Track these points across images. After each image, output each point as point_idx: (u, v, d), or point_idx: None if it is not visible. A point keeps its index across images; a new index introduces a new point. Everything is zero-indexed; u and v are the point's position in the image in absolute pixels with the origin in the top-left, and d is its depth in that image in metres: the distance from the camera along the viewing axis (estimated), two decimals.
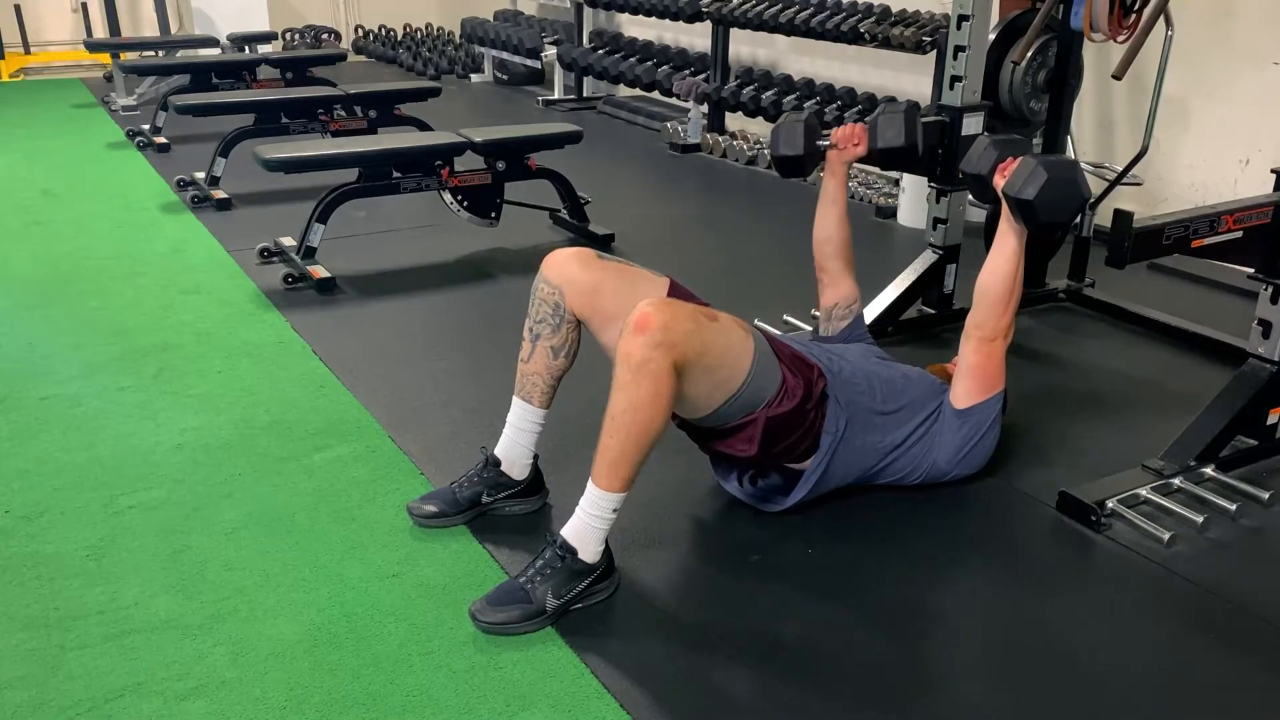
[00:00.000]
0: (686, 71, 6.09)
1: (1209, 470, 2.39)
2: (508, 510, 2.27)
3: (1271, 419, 2.50)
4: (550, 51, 7.22)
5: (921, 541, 2.22)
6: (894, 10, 4.91)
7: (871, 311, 3.13)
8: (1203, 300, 3.63)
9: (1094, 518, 2.25)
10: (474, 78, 8.22)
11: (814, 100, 5.25)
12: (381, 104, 5.22)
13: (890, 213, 4.61)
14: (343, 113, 5.17)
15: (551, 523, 2.22)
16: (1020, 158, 2.18)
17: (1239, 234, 2.33)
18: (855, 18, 4.94)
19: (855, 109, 5.06)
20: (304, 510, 2.32)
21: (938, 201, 3.22)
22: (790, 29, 5.24)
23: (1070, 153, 3.79)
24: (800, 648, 1.89)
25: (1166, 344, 3.26)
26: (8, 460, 2.53)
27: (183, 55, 7.23)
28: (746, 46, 6.23)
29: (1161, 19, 2.99)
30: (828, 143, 2.67)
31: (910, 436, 2.27)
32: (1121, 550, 2.18)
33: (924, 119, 2.80)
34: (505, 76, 8.03)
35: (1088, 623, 1.96)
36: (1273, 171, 2.48)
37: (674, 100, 6.35)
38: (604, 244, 4.14)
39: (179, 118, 5.07)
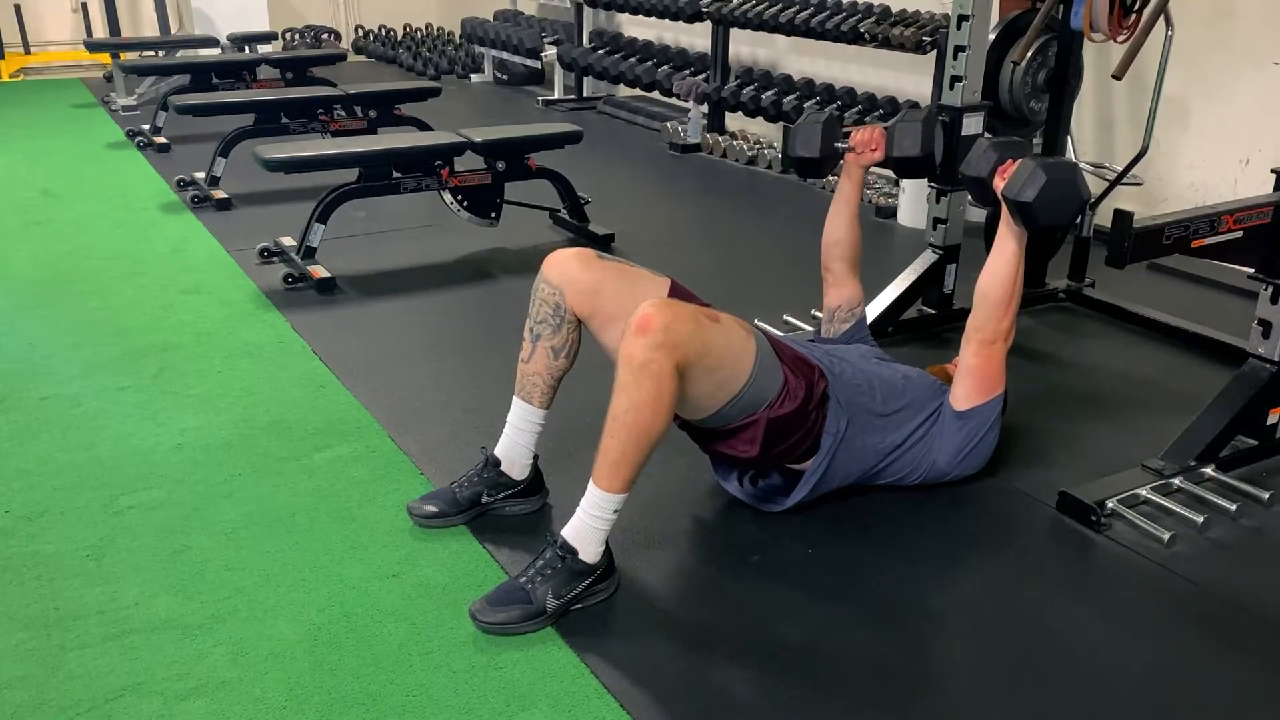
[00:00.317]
0: (686, 71, 6.09)
1: (1209, 470, 2.39)
2: (508, 510, 2.27)
3: (1271, 419, 2.50)
4: (550, 51, 7.22)
5: (922, 541, 2.22)
6: (894, 10, 4.91)
7: (872, 311, 3.13)
8: (1203, 300, 3.63)
9: (1094, 518, 2.25)
10: (474, 78, 8.22)
11: (814, 100, 5.25)
12: (381, 104, 5.22)
13: (890, 213, 4.61)
14: (343, 113, 5.17)
15: (552, 523, 2.22)
16: (1020, 160, 2.17)
17: (1239, 234, 2.33)
18: (855, 18, 4.94)
19: (855, 109, 5.06)
20: (304, 510, 2.32)
21: (938, 201, 3.22)
22: (790, 29, 5.24)
23: (1070, 153, 3.79)
24: (800, 648, 1.89)
25: (1166, 344, 3.26)
26: (8, 460, 2.53)
27: (183, 55, 7.23)
28: (746, 46, 6.23)
29: (1161, 19, 2.99)
30: (845, 145, 2.65)
31: (910, 437, 2.27)
32: (1121, 550, 2.18)
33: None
34: (505, 76, 8.03)
35: (1087, 623, 1.96)
36: (1273, 171, 2.48)
37: (674, 100, 6.35)
38: (604, 244, 4.14)
39: (179, 118, 5.07)
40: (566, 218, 4.32)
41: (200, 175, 4.87)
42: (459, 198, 3.94)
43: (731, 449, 2.15)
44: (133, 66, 6.34)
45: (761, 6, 5.43)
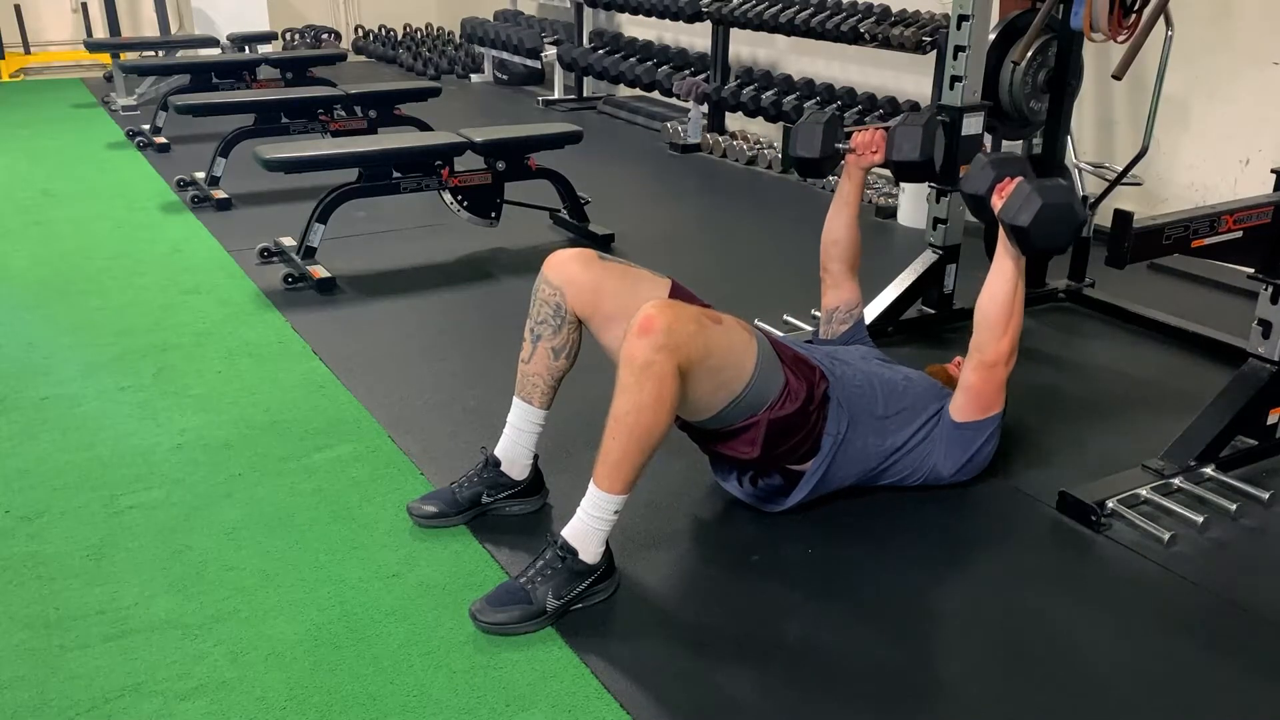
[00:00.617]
0: (686, 71, 6.09)
1: (1209, 470, 2.39)
2: (508, 510, 2.27)
3: (1271, 419, 2.50)
4: (550, 51, 7.22)
5: (922, 541, 2.22)
6: (894, 10, 4.91)
7: (872, 311, 3.13)
8: (1203, 300, 3.63)
9: (1094, 518, 2.25)
10: (474, 78, 8.22)
11: (814, 100, 5.25)
12: (381, 104, 5.22)
13: (890, 213, 4.61)
14: (343, 113, 5.17)
15: (552, 523, 2.22)
16: (1017, 180, 2.15)
17: (1239, 234, 2.33)
18: (855, 18, 4.94)
19: (855, 109, 5.06)
20: (304, 510, 2.31)
21: (938, 201, 3.22)
22: (790, 29, 5.24)
23: (1070, 153, 3.79)
24: (800, 648, 1.89)
25: (1166, 344, 3.26)
26: (8, 460, 2.53)
27: (183, 55, 7.23)
28: (746, 46, 6.23)
29: (1161, 19, 2.99)
30: (846, 146, 2.65)
31: (910, 440, 2.27)
32: (1121, 550, 2.18)
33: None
34: (505, 76, 8.03)
35: (1088, 623, 1.96)
36: (1273, 171, 2.48)
37: (674, 100, 6.36)
38: (604, 244, 4.14)
39: (179, 118, 5.07)
40: (566, 218, 4.32)
41: (200, 175, 4.87)
42: (459, 198, 3.94)
43: (732, 450, 2.15)
44: (133, 66, 6.34)
45: (761, 6, 5.43)
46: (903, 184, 4.54)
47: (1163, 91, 3.23)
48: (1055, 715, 1.74)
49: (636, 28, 7.21)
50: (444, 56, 8.51)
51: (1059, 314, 3.51)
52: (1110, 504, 2.27)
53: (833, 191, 2.70)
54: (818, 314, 2.73)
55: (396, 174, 3.86)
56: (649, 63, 6.38)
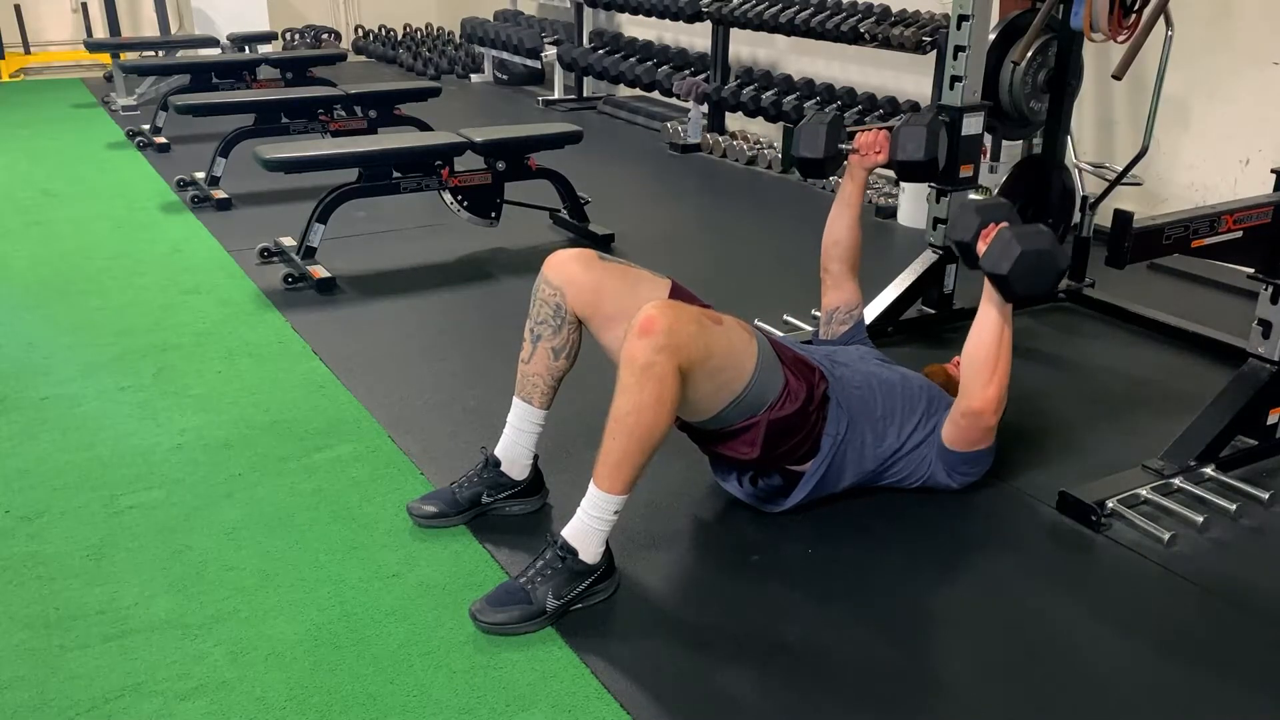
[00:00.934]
0: (686, 71, 6.09)
1: (1209, 470, 2.40)
2: (508, 510, 2.27)
3: (1271, 419, 2.50)
4: (550, 51, 7.22)
5: (921, 542, 2.22)
6: (894, 10, 4.91)
7: (871, 311, 3.13)
8: (1203, 300, 3.63)
9: (1094, 518, 2.25)
10: (474, 78, 8.22)
11: (814, 100, 5.25)
12: (381, 104, 5.22)
13: (890, 213, 4.61)
14: (343, 113, 5.17)
15: (552, 523, 2.22)
16: (999, 227, 2.13)
17: (1239, 234, 2.33)
18: (855, 18, 4.94)
19: (855, 109, 5.06)
20: (304, 510, 2.31)
21: (938, 201, 3.22)
22: (790, 29, 5.24)
23: (1070, 153, 3.79)
24: (800, 648, 1.89)
25: (1166, 344, 3.26)
26: (8, 460, 2.53)
27: (183, 55, 7.23)
28: (746, 46, 6.23)
29: (1161, 19, 2.99)
30: (849, 147, 2.65)
31: (908, 441, 2.27)
32: (1121, 550, 2.18)
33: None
34: (505, 76, 8.03)
35: (1088, 623, 1.96)
36: (1273, 171, 2.48)
37: (674, 100, 6.36)
38: (604, 244, 4.14)
39: (179, 118, 5.07)
40: (566, 218, 4.32)
41: (200, 175, 4.87)
42: (459, 198, 3.94)
43: (732, 450, 2.15)
44: (133, 66, 6.34)
45: (761, 6, 5.43)
46: (903, 184, 4.54)
47: (1163, 91, 3.23)
48: (1055, 715, 1.74)
49: (636, 28, 7.21)
50: (444, 56, 8.51)
51: (1059, 314, 3.51)
52: (1110, 504, 2.27)
53: (833, 192, 2.70)
54: (818, 314, 2.72)
55: (396, 174, 3.86)
56: (649, 63, 6.38)
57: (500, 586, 1.96)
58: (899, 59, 4.97)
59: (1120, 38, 2.96)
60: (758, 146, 5.62)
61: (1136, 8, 2.95)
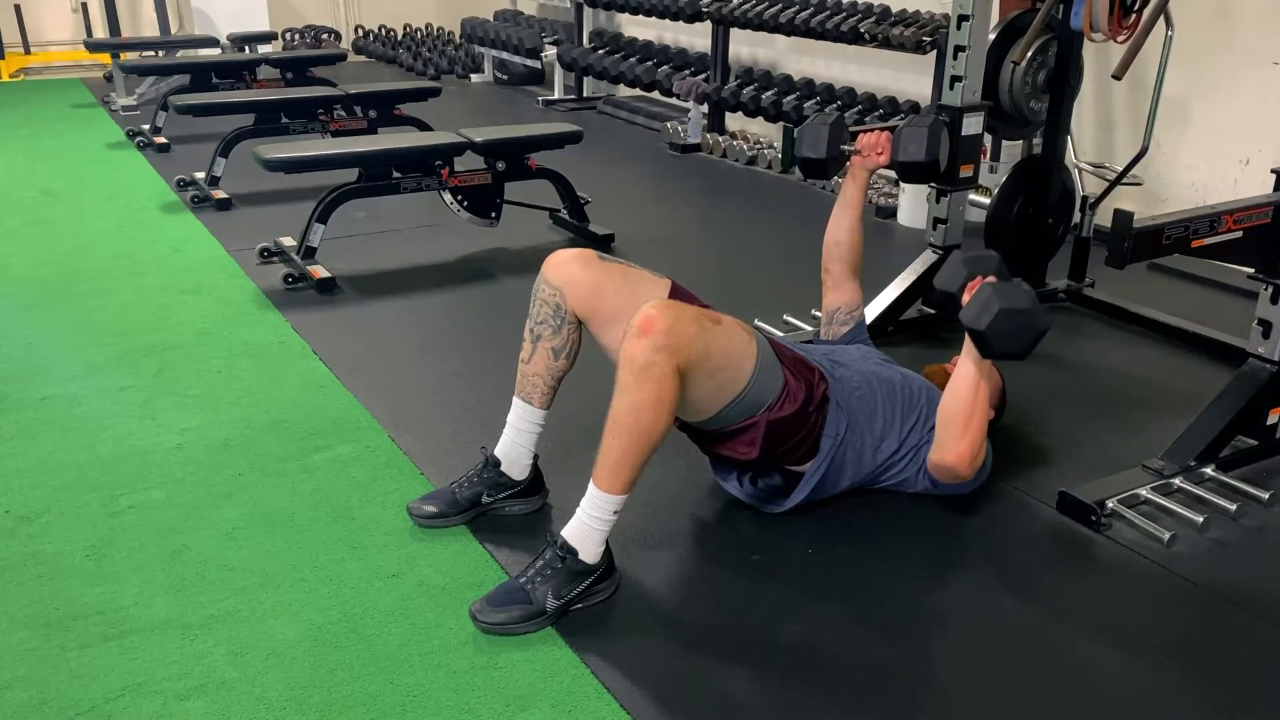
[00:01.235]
0: (686, 71, 6.09)
1: (1209, 470, 2.40)
2: (508, 510, 2.27)
3: (1271, 419, 2.50)
4: (550, 51, 7.22)
5: (921, 542, 2.22)
6: (894, 10, 4.91)
7: (872, 311, 3.13)
8: (1203, 300, 3.63)
9: (1094, 518, 2.25)
10: (474, 78, 8.22)
11: (814, 100, 5.25)
12: (381, 104, 5.22)
13: (890, 213, 4.61)
14: (343, 113, 5.17)
15: (552, 523, 2.22)
16: (982, 281, 2.13)
17: (1239, 234, 2.32)
18: (855, 18, 4.94)
19: (855, 109, 5.07)
20: (304, 510, 2.31)
21: (938, 201, 3.22)
22: (790, 29, 5.25)
23: (1070, 153, 3.79)
24: (800, 648, 1.89)
25: (1166, 344, 3.26)
26: (8, 460, 2.53)
27: (183, 55, 7.23)
28: (746, 46, 6.24)
29: (1161, 19, 2.99)
30: (851, 148, 2.65)
31: (907, 441, 2.26)
32: (1121, 550, 2.18)
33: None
34: (505, 76, 8.03)
35: (1088, 623, 1.96)
36: (1273, 171, 2.48)
37: (674, 100, 6.35)
38: (604, 244, 4.14)
39: (179, 118, 5.07)
40: (566, 218, 4.32)
41: (200, 175, 4.87)
42: (459, 198, 3.94)
43: (731, 451, 2.15)
44: (133, 66, 6.34)
45: (761, 6, 5.43)
46: (903, 184, 4.54)
47: (1163, 91, 3.23)
48: (1054, 715, 1.74)
49: (636, 28, 7.21)
50: (444, 56, 8.51)
51: (1059, 314, 3.50)
52: (1110, 504, 2.27)
53: (834, 193, 2.70)
54: (818, 314, 2.72)
55: (396, 174, 3.86)
56: (649, 63, 6.38)
57: (500, 586, 1.96)
58: (899, 59, 4.97)
59: (1120, 38, 2.97)
60: (758, 146, 5.62)
61: (1136, 8, 2.96)
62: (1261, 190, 2.59)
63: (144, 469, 2.48)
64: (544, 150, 4.15)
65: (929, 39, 4.54)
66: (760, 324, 3.13)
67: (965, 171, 3.15)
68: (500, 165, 3.96)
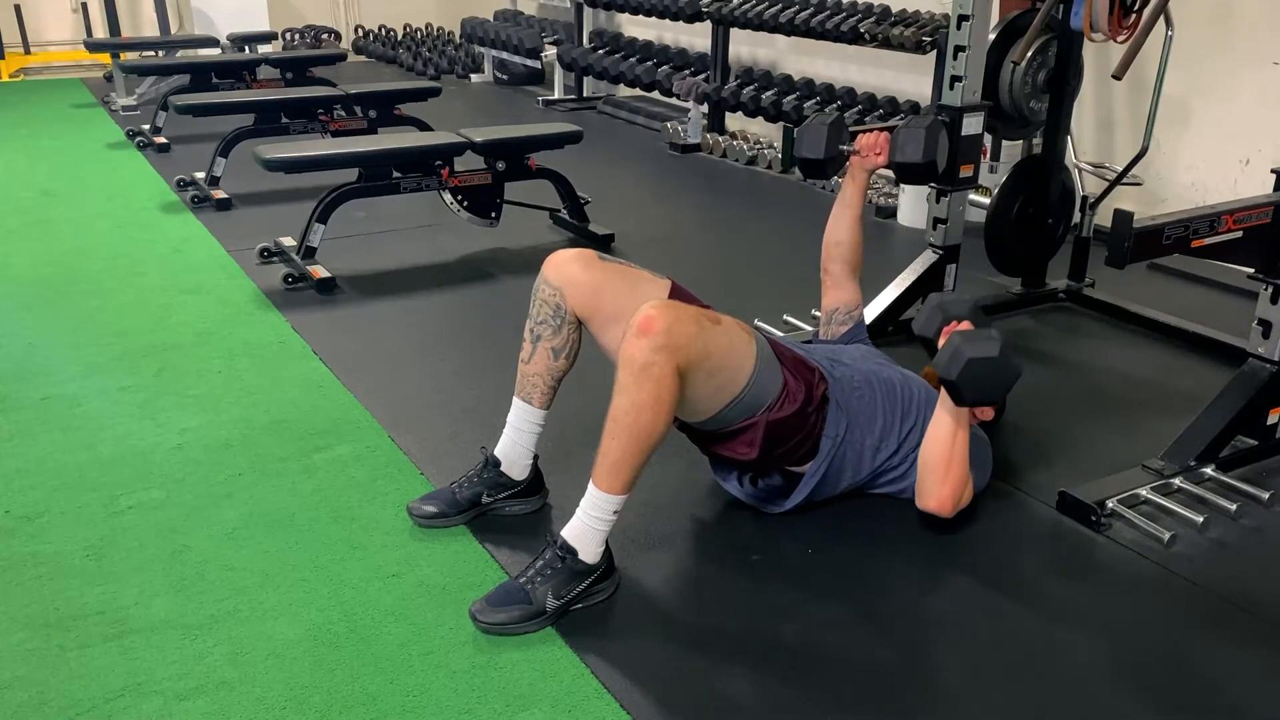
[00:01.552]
0: (686, 71, 6.09)
1: (1209, 470, 2.40)
2: (508, 510, 2.27)
3: (1271, 419, 2.50)
4: (550, 51, 7.22)
5: (921, 542, 2.22)
6: (894, 10, 4.91)
7: (872, 311, 3.13)
8: (1203, 300, 3.63)
9: (1094, 518, 2.25)
10: (474, 78, 8.22)
11: (814, 100, 5.25)
12: (381, 104, 5.22)
13: (890, 213, 4.61)
14: (343, 113, 5.17)
15: (552, 523, 2.22)
16: (954, 329, 2.14)
17: (1239, 234, 2.32)
18: (855, 18, 4.94)
19: (855, 109, 5.07)
20: (304, 510, 2.31)
21: (938, 201, 3.22)
22: (790, 29, 5.25)
23: (1070, 153, 3.79)
24: (800, 648, 1.89)
25: (1166, 344, 3.26)
26: (8, 460, 2.53)
27: (183, 55, 7.23)
28: (746, 46, 6.23)
29: (1161, 19, 2.99)
30: (850, 148, 2.65)
31: (905, 443, 2.26)
32: (1121, 550, 2.18)
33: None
34: (505, 76, 8.03)
35: (1088, 623, 1.96)
36: (1273, 171, 2.48)
37: (674, 100, 6.35)
38: (604, 244, 4.14)
39: (179, 118, 5.07)
40: (566, 218, 4.32)
41: (200, 175, 4.87)
42: (459, 198, 3.94)
43: (731, 451, 2.15)
44: (133, 66, 6.34)
45: (761, 6, 5.43)
46: (903, 184, 4.54)
47: (1163, 91, 3.22)
48: (1054, 715, 1.74)
49: (636, 28, 7.21)
50: (444, 56, 8.51)
51: (1059, 314, 3.51)
52: (1110, 504, 2.27)
53: (834, 193, 2.70)
54: (818, 314, 2.72)
55: (396, 174, 3.86)
56: (649, 63, 6.38)
57: (500, 586, 1.96)
58: (899, 59, 4.97)
59: (1120, 38, 2.97)
60: (758, 146, 5.62)
61: (1136, 8, 2.95)
62: (1261, 190, 2.58)
63: (144, 469, 2.48)
64: (544, 150, 4.15)
65: (929, 39, 4.54)
66: (760, 324, 3.13)
67: (965, 171, 3.15)
68: (500, 165, 3.96)
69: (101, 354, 3.14)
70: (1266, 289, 2.43)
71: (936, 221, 3.24)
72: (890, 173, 2.80)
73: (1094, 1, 2.91)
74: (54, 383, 2.94)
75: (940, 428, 2.14)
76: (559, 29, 7.47)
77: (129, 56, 7.22)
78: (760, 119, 5.60)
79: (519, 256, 4.06)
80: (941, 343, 2.14)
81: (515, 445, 2.25)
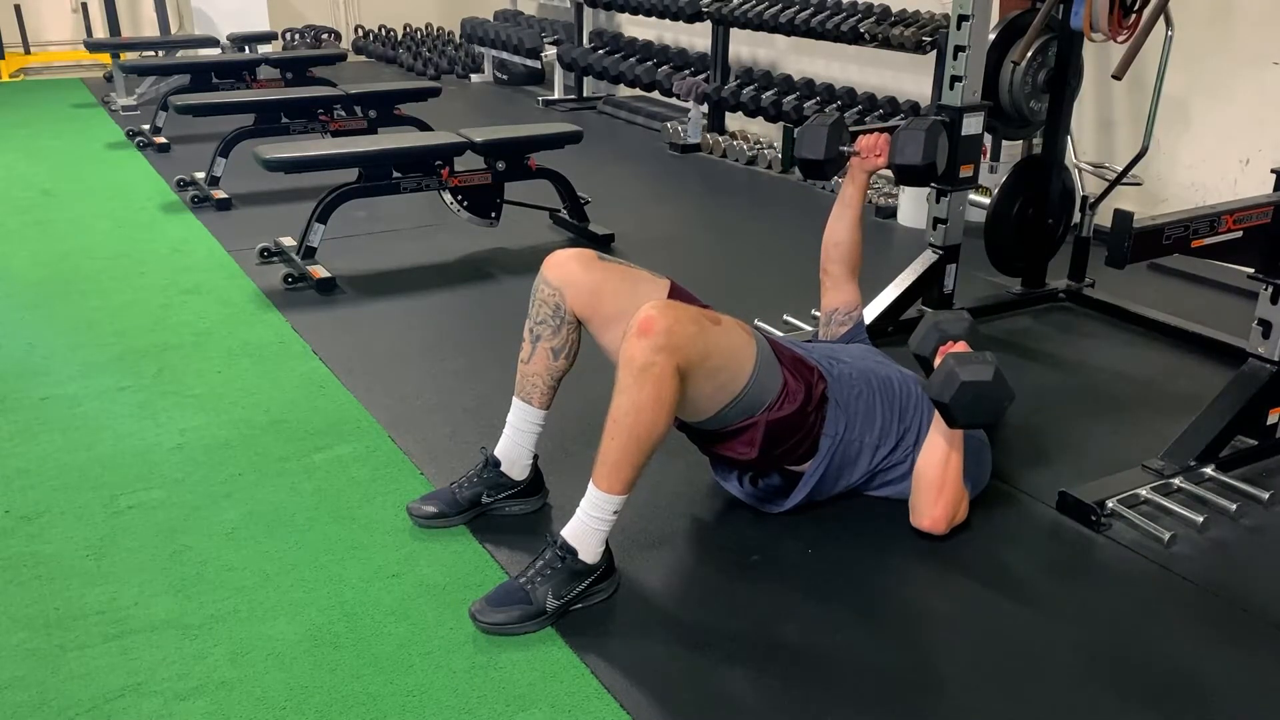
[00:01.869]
0: (686, 71, 6.09)
1: (1209, 470, 2.40)
2: (508, 510, 2.27)
3: (1271, 419, 2.50)
4: (550, 51, 7.22)
5: (921, 542, 2.21)
6: (894, 10, 4.91)
7: (871, 311, 3.13)
8: (1203, 300, 3.63)
9: (1094, 518, 2.25)
10: (474, 78, 8.22)
11: (814, 100, 5.25)
12: (381, 104, 5.22)
13: (890, 213, 4.61)
14: (343, 113, 5.17)
15: (551, 523, 2.22)
16: (949, 350, 2.13)
17: (1239, 234, 2.33)
18: (855, 18, 4.94)
19: (855, 109, 5.07)
20: (304, 510, 2.32)
21: (938, 201, 3.22)
22: (790, 29, 5.25)
23: (1070, 153, 3.79)
24: (800, 648, 1.89)
25: (1166, 344, 3.26)
26: (8, 460, 2.53)
27: (183, 55, 7.24)
28: (746, 46, 6.24)
29: (1161, 19, 2.99)
30: (850, 149, 2.65)
31: (904, 441, 2.26)
32: (1121, 550, 2.18)
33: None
34: (505, 76, 8.03)
35: (1088, 623, 1.96)
36: (1273, 171, 2.48)
37: (674, 100, 6.35)
38: (604, 244, 4.14)
39: (179, 118, 5.07)
40: (566, 218, 4.32)
41: (200, 175, 4.87)
42: (459, 198, 3.94)
43: (730, 451, 2.15)
44: (133, 66, 6.34)
45: (761, 6, 5.43)
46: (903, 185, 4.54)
47: (1163, 91, 3.22)
48: (1054, 715, 1.74)
49: (636, 28, 7.21)
50: (444, 56, 8.51)
51: (1059, 314, 3.51)
52: (1110, 504, 2.27)
53: (833, 193, 2.70)
54: (818, 314, 2.72)
55: (396, 174, 3.86)
56: (649, 63, 6.38)
57: (500, 586, 1.96)
58: (899, 59, 4.97)
59: (1120, 38, 2.97)
60: (758, 146, 5.62)
61: (1136, 8, 2.96)
62: (1261, 190, 2.58)
63: (144, 469, 2.48)
64: (544, 150, 4.15)
65: (929, 39, 4.54)
66: (760, 324, 3.13)
67: (965, 171, 3.15)
68: (500, 165, 3.96)
69: (101, 354, 3.14)
70: (1266, 289, 2.43)
71: (936, 221, 3.24)
72: (890, 173, 2.80)
73: (1094, 1, 2.91)
74: (54, 383, 2.94)
75: (934, 450, 2.16)
76: (559, 29, 7.47)
77: (129, 56, 7.22)
78: (760, 119, 5.60)
79: (519, 256, 4.06)
80: (937, 362, 2.14)
81: (515, 445, 2.25)
